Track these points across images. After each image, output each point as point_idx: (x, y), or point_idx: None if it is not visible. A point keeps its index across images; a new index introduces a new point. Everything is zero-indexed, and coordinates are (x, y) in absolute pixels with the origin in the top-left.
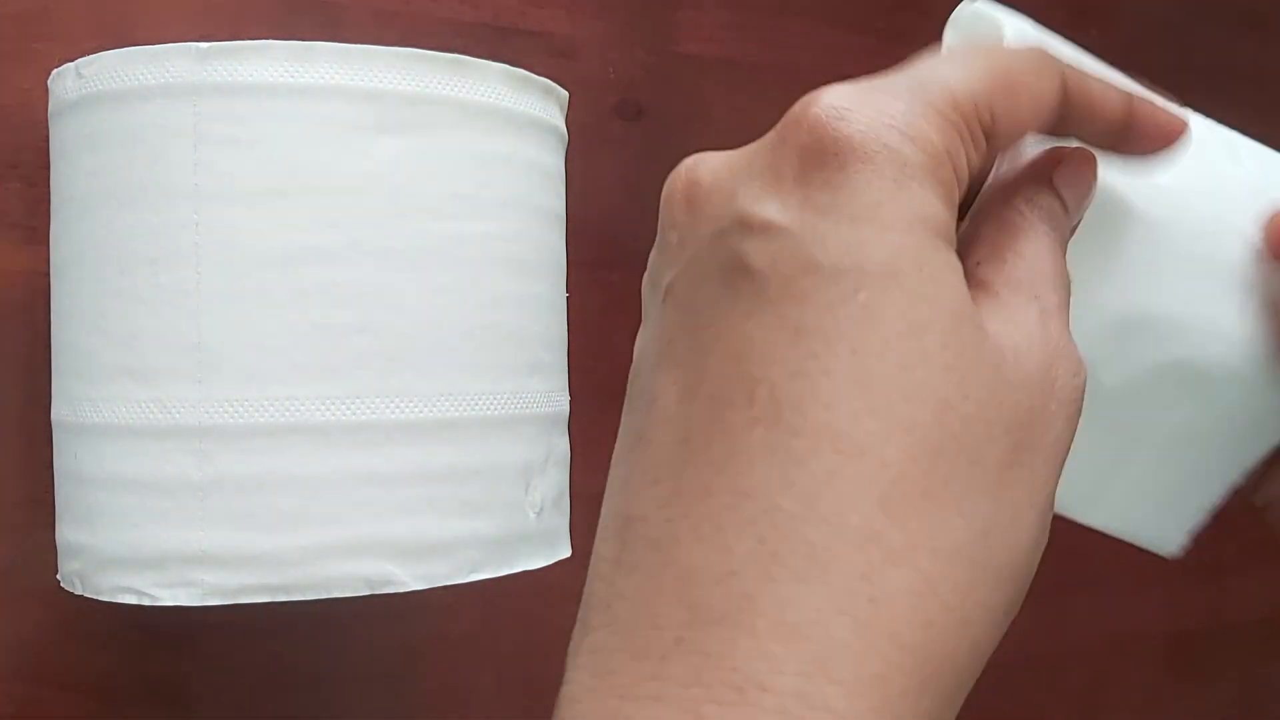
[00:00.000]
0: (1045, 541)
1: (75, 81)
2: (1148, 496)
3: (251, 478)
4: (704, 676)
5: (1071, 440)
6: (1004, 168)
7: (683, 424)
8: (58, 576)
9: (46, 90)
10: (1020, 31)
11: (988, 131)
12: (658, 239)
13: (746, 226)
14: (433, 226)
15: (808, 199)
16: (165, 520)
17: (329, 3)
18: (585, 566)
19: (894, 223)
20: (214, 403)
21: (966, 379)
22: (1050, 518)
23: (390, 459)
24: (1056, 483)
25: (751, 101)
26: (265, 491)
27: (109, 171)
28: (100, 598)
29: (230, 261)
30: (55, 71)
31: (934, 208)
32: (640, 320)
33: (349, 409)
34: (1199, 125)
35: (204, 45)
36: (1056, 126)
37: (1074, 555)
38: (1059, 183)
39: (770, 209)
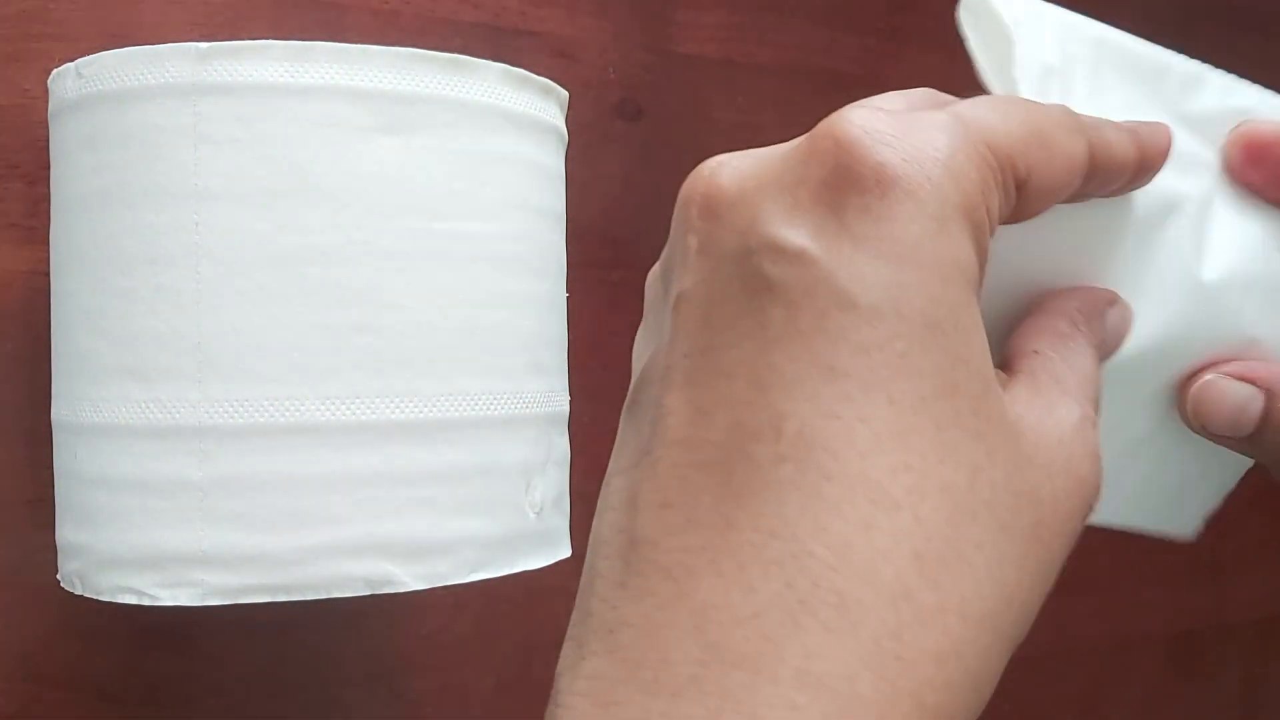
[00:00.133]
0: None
1: (75, 81)
2: (1164, 485)
3: (251, 478)
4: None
5: (1075, 540)
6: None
7: (697, 448)
8: (58, 576)
9: (46, 90)
10: (1031, 12)
11: (1020, 184)
12: (672, 240)
13: (778, 250)
14: (433, 226)
15: (844, 228)
16: (165, 520)
17: (329, 3)
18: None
19: (934, 267)
20: (214, 403)
21: (994, 448)
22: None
23: (390, 459)
24: (1058, 571)
25: (751, 101)
26: (265, 491)
27: (109, 171)
28: (100, 598)
29: (230, 261)
30: (55, 71)
31: (968, 254)
32: (641, 318)
33: (349, 409)
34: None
35: (204, 45)
36: (1080, 189)
37: (1074, 555)
38: (1109, 321)
39: (802, 234)
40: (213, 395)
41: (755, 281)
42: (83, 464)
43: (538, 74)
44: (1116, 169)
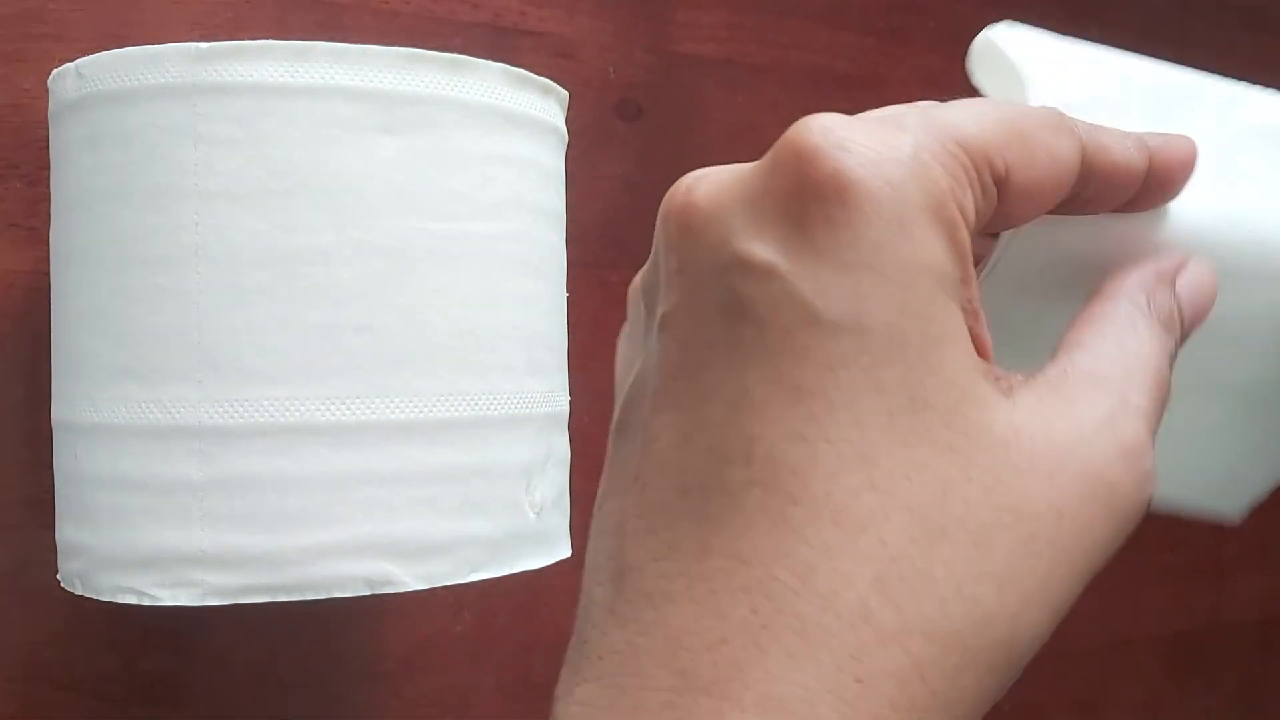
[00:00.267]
0: (1048, 636)
1: (75, 81)
2: (1216, 461)
3: (251, 478)
4: None
5: (1115, 550)
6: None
7: (680, 473)
8: (58, 576)
9: (46, 90)
10: (1040, 53)
11: (999, 181)
12: (654, 256)
13: (746, 267)
14: (433, 226)
15: (807, 240)
16: (165, 520)
17: (329, 3)
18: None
19: (896, 273)
20: (214, 403)
21: (971, 460)
22: (1063, 615)
23: (390, 459)
24: (1080, 587)
25: (751, 101)
26: (265, 491)
27: (109, 171)
28: (100, 598)
29: (230, 261)
30: (55, 71)
31: (936, 254)
32: None
33: (349, 409)
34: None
35: (203, 45)
36: (1076, 192)
37: None
38: (1182, 289)
39: (769, 249)
40: (213, 395)
41: (728, 299)
42: (83, 464)
43: (538, 74)
44: (1119, 174)
